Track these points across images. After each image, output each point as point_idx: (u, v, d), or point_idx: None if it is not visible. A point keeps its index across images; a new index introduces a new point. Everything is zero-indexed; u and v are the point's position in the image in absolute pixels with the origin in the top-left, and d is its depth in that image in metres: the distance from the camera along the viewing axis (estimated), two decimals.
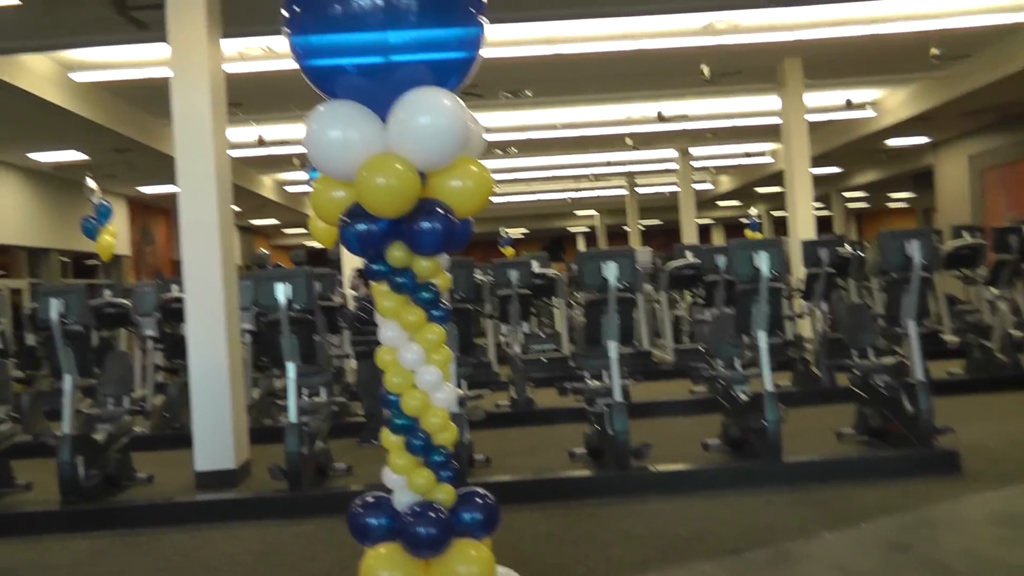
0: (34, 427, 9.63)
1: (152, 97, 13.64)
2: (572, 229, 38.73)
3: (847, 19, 12.12)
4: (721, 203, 33.56)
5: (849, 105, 16.96)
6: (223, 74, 7.87)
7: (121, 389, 7.59)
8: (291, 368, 6.51)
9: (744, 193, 30.23)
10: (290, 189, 24.22)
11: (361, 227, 3.67)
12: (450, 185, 3.74)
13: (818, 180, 28.65)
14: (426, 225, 3.64)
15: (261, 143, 15.06)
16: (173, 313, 10.19)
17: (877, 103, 18.22)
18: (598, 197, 30.60)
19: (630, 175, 26.52)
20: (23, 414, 9.07)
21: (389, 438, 3.86)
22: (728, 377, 7.55)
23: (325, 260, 17.22)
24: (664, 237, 33.73)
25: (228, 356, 7.36)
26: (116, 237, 14.02)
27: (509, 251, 24.24)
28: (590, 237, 39.32)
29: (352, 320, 8.83)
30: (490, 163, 22.00)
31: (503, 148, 20.20)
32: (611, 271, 6.63)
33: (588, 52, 12.49)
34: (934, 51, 12.90)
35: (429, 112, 3.59)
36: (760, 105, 17.63)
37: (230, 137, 16.64)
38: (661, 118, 16.56)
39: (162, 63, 11.61)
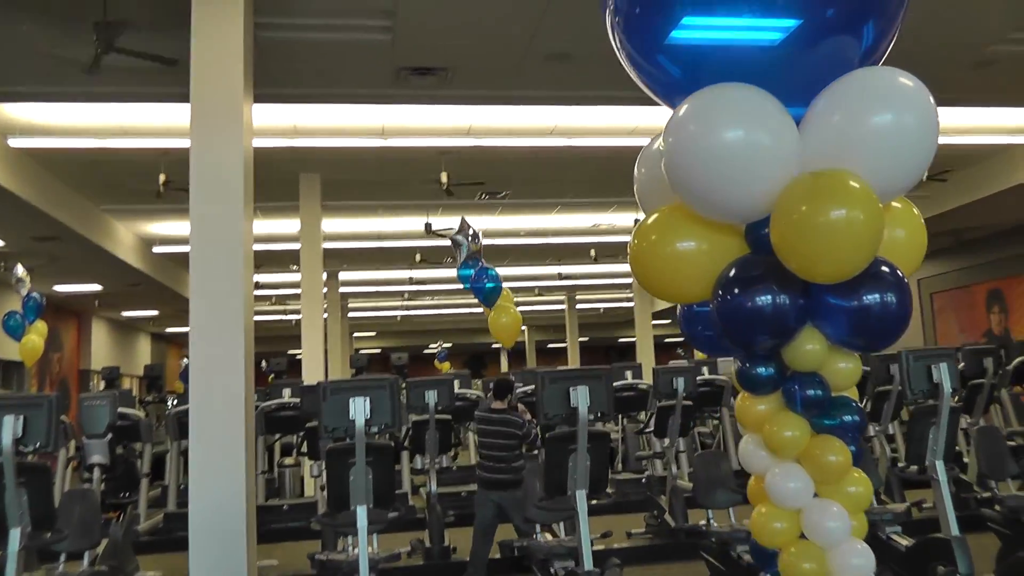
0: None
1: (88, 176, 11.54)
2: (496, 345, 37.16)
3: None
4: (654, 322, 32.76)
5: None
6: (251, 147, 6.20)
7: (84, 542, 5.57)
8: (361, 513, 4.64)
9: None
10: None
11: (765, 299, 2.13)
12: (890, 235, 2.25)
13: None
14: (873, 298, 2.13)
15: None
16: (122, 433, 8.13)
17: None
18: (532, 312, 29.34)
19: (571, 289, 25.41)
20: None
21: None
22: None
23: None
24: (588, 355, 32.62)
25: (246, 495, 5.45)
26: (44, 337, 11.71)
27: (445, 366, 22.60)
28: (515, 354, 37.84)
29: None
30: (429, 272, 20.87)
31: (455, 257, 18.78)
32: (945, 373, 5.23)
33: (586, 146, 11.16)
34: None
35: (890, 104, 2.13)
36: None
37: (162, 229, 14.88)
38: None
39: (114, 132, 9.72)
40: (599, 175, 12.97)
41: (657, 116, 8.88)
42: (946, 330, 19.79)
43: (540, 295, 25.00)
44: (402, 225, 15.54)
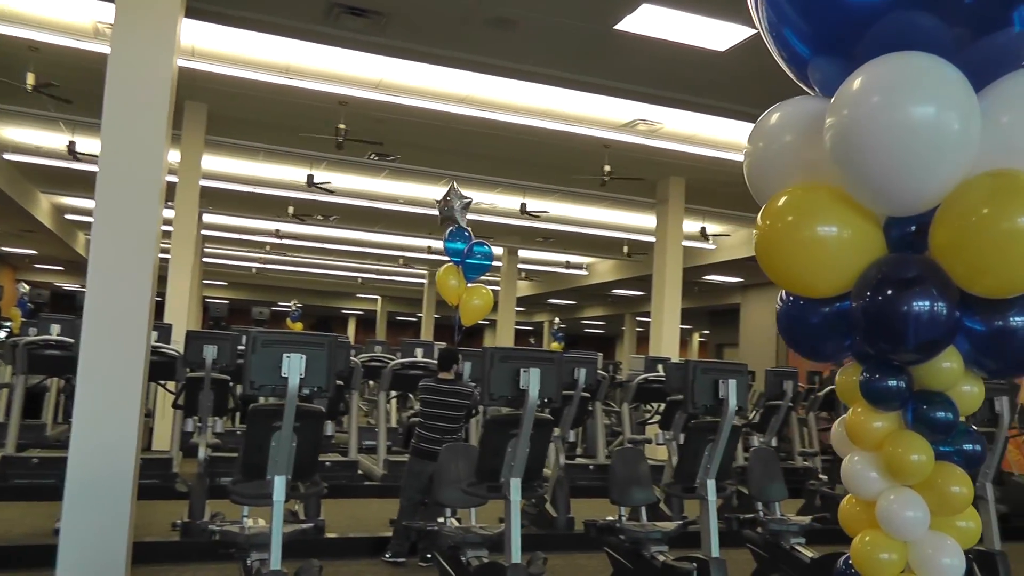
0: None
1: None
2: (346, 311, 36.27)
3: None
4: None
5: (703, 234, 16.77)
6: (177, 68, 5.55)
7: None
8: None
9: (532, 301, 29.65)
10: (71, 217, 19.89)
11: (923, 306, 1.89)
12: None
13: (618, 300, 28.76)
14: (1021, 321, 1.94)
15: (72, 155, 11.86)
16: None
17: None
18: (390, 282, 28.72)
19: (436, 264, 24.98)
20: None
21: None
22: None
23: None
24: (436, 333, 32.37)
25: (136, 442, 4.87)
26: None
27: (298, 326, 21.84)
28: (364, 322, 37.06)
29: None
30: (297, 227, 19.93)
31: (326, 215, 18.09)
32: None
33: (493, 120, 10.83)
34: None
35: None
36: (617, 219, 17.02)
37: (29, 137, 13.39)
38: (524, 211, 15.31)
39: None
40: (496, 153, 12.74)
41: (580, 102, 8.52)
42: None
43: (405, 266, 24.48)
44: (282, 173, 14.74)
